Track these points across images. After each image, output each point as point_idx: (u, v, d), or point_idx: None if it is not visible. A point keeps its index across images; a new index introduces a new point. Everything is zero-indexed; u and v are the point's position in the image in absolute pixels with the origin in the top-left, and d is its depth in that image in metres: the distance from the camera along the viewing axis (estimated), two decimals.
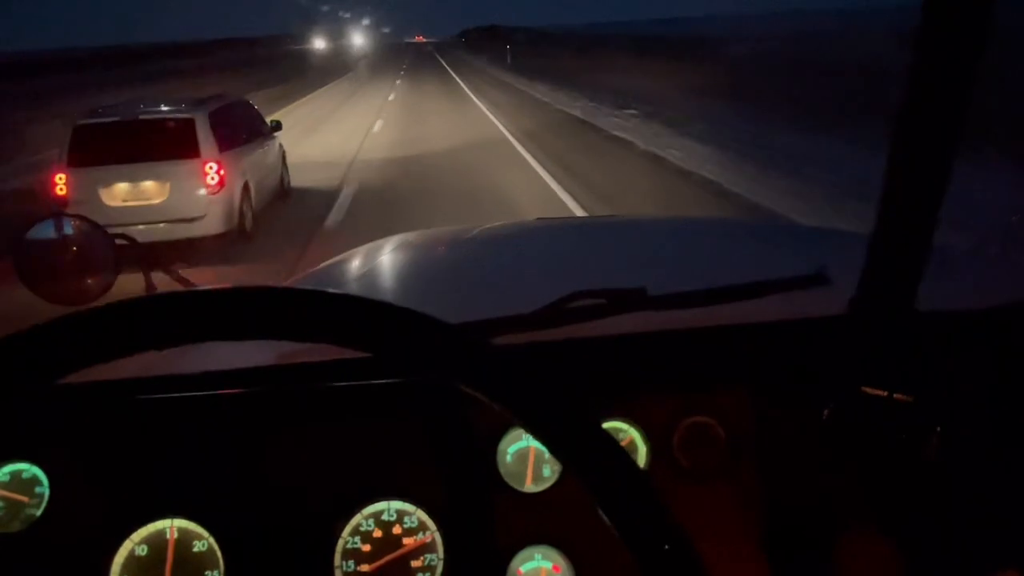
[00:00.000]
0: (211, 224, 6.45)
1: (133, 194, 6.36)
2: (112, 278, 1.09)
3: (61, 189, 6.21)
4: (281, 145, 8.69)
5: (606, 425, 0.89)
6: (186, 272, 1.19)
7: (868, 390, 0.84)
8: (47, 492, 0.86)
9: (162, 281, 1.12)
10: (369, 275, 1.58)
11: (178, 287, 1.09)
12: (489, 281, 1.38)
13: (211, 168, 6.44)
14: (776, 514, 0.90)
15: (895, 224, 0.84)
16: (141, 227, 6.04)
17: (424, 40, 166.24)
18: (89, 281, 1.11)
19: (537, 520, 0.88)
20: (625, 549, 0.49)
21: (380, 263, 1.66)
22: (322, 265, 1.68)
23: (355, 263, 1.65)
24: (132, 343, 0.49)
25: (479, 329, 0.89)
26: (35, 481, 0.86)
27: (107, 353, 0.49)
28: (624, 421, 0.91)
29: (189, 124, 6.54)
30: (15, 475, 0.86)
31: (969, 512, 0.85)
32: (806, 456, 0.90)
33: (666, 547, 0.49)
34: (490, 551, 0.87)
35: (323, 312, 0.51)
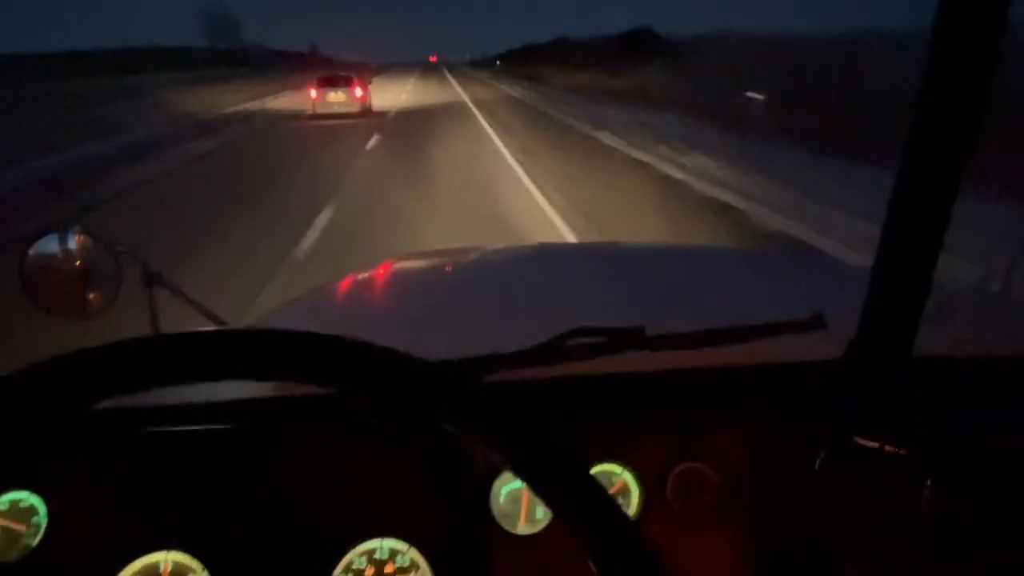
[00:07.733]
0: (357, 110, 20.88)
1: (335, 98, 20.77)
2: (114, 293, 1.10)
3: (313, 95, 20.86)
4: (370, 91, 23.27)
5: (600, 468, 0.89)
6: (197, 298, 1.22)
7: (861, 440, 0.83)
8: (44, 522, 0.84)
9: (161, 295, 1.17)
10: (363, 304, 1.58)
11: (180, 302, 1.17)
12: (487, 312, 1.38)
13: (359, 92, 21.05)
14: (770, 562, 0.88)
15: (894, 270, 0.82)
16: (336, 109, 20.52)
17: (436, 60, 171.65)
18: (91, 296, 1.12)
19: (529, 562, 0.88)
20: None
21: (375, 291, 1.66)
22: (316, 288, 1.68)
23: (348, 290, 1.65)
24: (120, 385, 0.49)
25: (476, 365, 0.88)
26: (32, 511, 0.85)
27: (126, 388, 0.49)
28: (618, 464, 0.90)
29: (351, 77, 21.59)
30: (14, 504, 0.85)
31: (965, 563, 0.84)
32: (801, 503, 0.89)
33: None
34: None
35: (304, 354, 0.50)
